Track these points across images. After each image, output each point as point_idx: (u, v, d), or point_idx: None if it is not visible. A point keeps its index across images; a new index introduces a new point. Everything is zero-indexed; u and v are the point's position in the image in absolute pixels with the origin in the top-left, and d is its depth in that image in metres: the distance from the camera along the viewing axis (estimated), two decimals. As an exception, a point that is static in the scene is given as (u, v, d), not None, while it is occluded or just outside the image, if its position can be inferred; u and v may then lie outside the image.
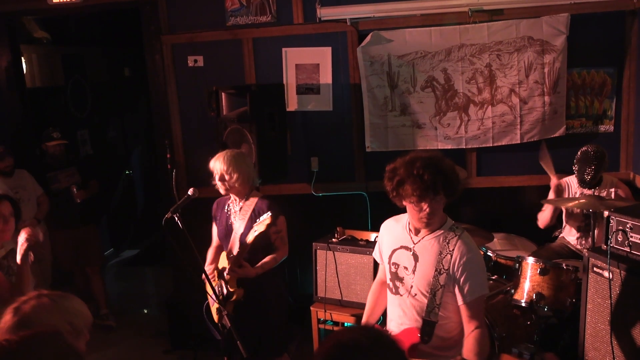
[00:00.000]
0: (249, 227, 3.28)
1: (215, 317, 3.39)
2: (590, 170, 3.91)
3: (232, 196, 3.42)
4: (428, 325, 2.47)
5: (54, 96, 6.32)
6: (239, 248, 3.27)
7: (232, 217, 3.41)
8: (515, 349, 2.68)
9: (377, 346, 1.45)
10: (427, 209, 2.38)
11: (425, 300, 2.48)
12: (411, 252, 2.52)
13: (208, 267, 3.45)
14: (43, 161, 5.09)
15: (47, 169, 5.02)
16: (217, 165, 3.29)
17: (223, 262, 3.37)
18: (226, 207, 3.46)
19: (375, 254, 2.79)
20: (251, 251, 3.23)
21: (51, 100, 6.25)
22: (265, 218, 3.12)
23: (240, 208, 3.38)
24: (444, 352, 2.52)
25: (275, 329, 3.46)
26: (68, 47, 6.63)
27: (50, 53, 6.32)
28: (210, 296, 3.39)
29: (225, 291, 3.26)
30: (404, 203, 2.46)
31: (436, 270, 2.44)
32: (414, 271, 2.51)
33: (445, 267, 2.43)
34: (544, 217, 4.21)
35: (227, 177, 3.28)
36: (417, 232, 2.54)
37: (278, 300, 3.50)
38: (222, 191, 3.33)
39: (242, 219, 3.35)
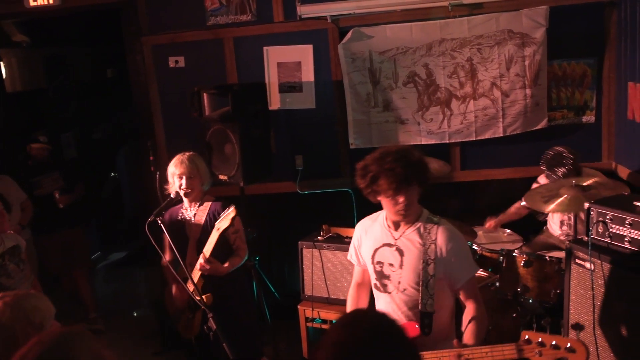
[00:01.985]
0: (206, 230, 3.26)
1: (183, 331, 3.39)
2: (561, 171, 3.86)
3: (186, 202, 3.38)
4: (426, 317, 2.49)
5: (36, 99, 6.26)
6: (206, 246, 3.21)
7: (186, 223, 3.37)
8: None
9: (377, 337, 1.46)
10: (404, 201, 2.43)
11: (417, 293, 2.49)
12: (394, 248, 2.54)
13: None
14: (26, 166, 5.04)
15: (30, 174, 4.98)
16: (183, 169, 3.26)
17: (182, 272, 3.27)
18: (179, 217, 3.40)
19: (351, 256, 2.78)
20: (213, 254, 3.19)
21: (33, 103, 6.19)
22: (229, 212, 3.08)
23: (195, 214, 3.36)
24: (441, 343, 2.54)
25: (245, 333, 3.45)
26: (50, 48, 6.57)
27: (31, 56, 6.26)
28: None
29: (192, 301, 3.23)
30: (379, 198, 2.50)
31: (423, 261, 2.46)
32: (400, 266, 2.52)
33: (432, 257, 2.46)
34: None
35: (192, 182, 3.27)
36: (396, 227, 2.56)
37: (244, 304, 3.51)
38: (182, 194, 3.28)
39: (199, 222, 3.33)
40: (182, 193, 3.30)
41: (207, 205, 3.36)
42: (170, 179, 3.35)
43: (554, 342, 2.05)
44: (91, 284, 5.46)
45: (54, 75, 6.61)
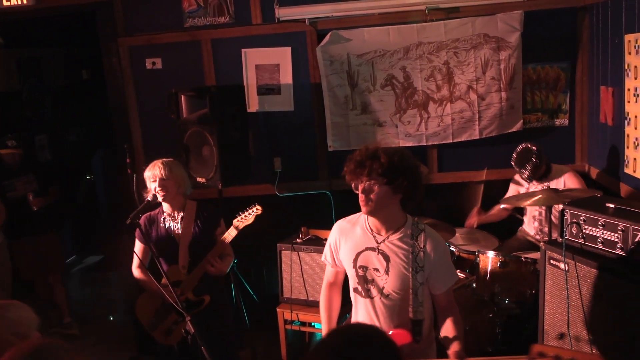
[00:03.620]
0: (197, 232, 3.30)
1: (162, 338, 3.37)
2: (527, 171, 3.98)
3: (166, 208, 3.36)
4: (417, 325, 2.47)
5: (9, 101, 6.16)
6: (215, 246, 3.27)
7: (173, 228, 3.35)
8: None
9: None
10: (361, 192, 2.39)
11: (400, 299, 2.47)
12: (378, 253, 2.49)
13: (161, 289, 3.28)
14: (-1, 168, 4.96)
15: (3, 176, 4.89)
16: (156, 171, 3.25)
17: (175, 276, 3.28)
18: (162, 222, 3.38)
19: (325, 257, 2.73)
20: (198, 254, 3.23)
21: (6, 105, 6.09)
22: (254, 210, 3.15)
23: (182, 219, 3.34)
24: (425, 350, 2.56)
25: (227, 335, 3.48)
26: (23, 50, 6.46)
27: (4, 57, 6.15)
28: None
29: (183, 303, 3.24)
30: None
31: (413, 269, 2.43)
32: (386, 272, 2.48)
33: (421, 265, 2.44)
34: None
35: (166, 183, 3.25)
36: (379, 231, 2.51)
37: (226, 306, 3.54)
38: (159, 197, 3.27)
39: (188, 226, 3.32)
40: (158, 197, 3.28)
41: (192, 209, 3.36)
42: (146, 183, 3.33)
43: (570, 357, 1.97)
44: (66, 289, 5.38)
45: (28, 77, 6.51)
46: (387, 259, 2.48)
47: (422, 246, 2.45)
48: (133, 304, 4.83)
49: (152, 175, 3.26)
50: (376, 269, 2.50)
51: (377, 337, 1.50)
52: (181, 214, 3.35)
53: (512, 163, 4.09)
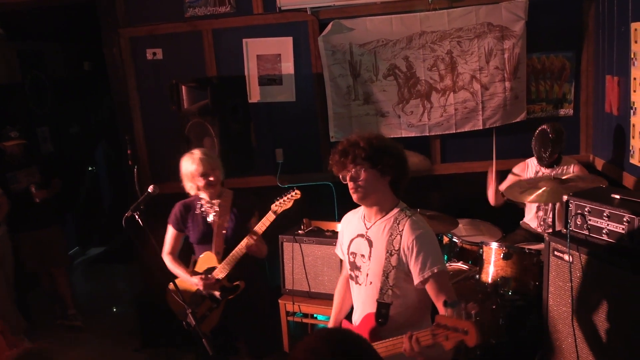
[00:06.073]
0: (232, 219, 3.35)
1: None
2: (548, 150, 3.96)
3: (204, 196, 3.39)
4: (382, 307, 2.43)
5: (10, 93, 6.14)
6: (258, 225, 3.29)
7: (210, 216, 3.38)
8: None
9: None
10: (349, 179, 2.42)
11: (378, 287, 2.45)
12: (365, 238, 2.52)
13: (196, 277, 3.34)
14: (1, 161, 4.95)
15: (6, 168, 4.89)
16: (204, 165, 3.26)
17: (209, 262, 3.34)
18: (199, 209, 3.41)
19: (338, 249, 2.76)
20: (232, 241, 3.27)
21: (8, 97, 6.07)
22: (293, 194, 3.19)
23: (218, 204, 3.38)
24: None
25: (267, 324, 3.53)
26: (25, 42, 6.44)
27: (6, 49, 6.13)
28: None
29: (218, 291, 3.31)
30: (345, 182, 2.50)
31: (387, 252, 2.42)
32: (369, 257, 2.49)
33: (396, 248, 2.40)
34: (490, 196, 4.30)
35: (212, 178, 3.28)
36: (369, 218, 2.53)
37: (262, 292, 3.57)
38: (209, 190, 3.32)
39: (224, 214, 3.35)
40: (209, 190, 3.33)
41: (229, 197, 3.41)
42: (189, 180, 3.33)
43: (453, 325, 2.04)
44: (69, 281, 5.39)
45: (30, 69, 6.49)
46: (370, 244, 2.50)
47: (400, 230, 2.42)
48: (138, 296, 4.88)
49: (203, 170, 3.27)
50: (362, 255, 2.53)
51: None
52: (218, 201, 3.38)
53: (533, 144, 4.05)
